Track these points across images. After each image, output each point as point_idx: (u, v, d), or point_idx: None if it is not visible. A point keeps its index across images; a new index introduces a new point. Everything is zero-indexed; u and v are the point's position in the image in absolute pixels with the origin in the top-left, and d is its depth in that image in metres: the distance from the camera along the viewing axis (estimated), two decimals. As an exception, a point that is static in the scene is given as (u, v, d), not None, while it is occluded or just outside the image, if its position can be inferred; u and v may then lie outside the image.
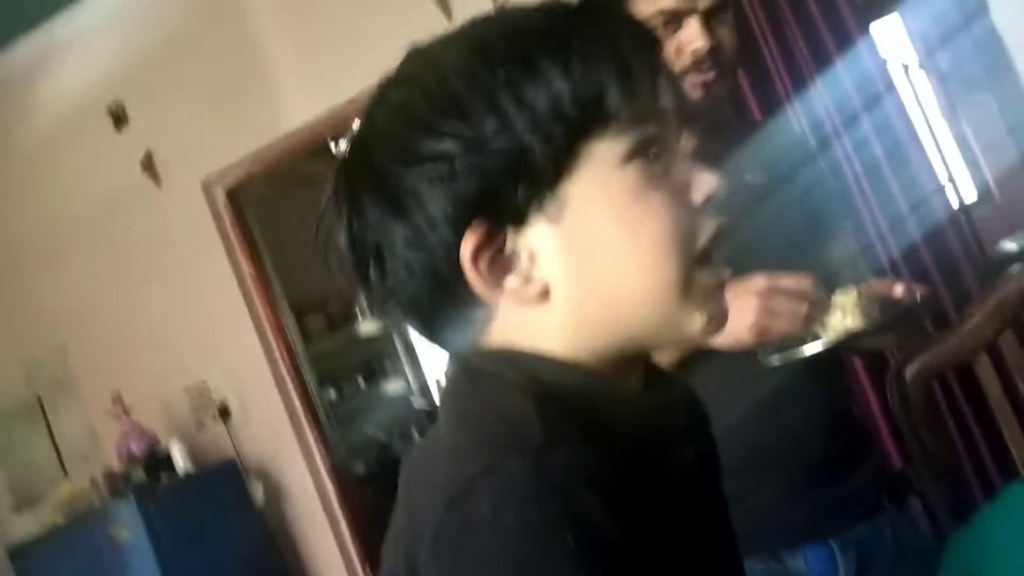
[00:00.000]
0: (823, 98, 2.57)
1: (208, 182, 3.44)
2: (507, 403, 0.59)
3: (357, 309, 4.46)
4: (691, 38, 1.21)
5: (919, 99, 4.23)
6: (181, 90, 3.40)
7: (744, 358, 1.20)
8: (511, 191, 0.59)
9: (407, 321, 0.65)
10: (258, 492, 3.36)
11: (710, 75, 1.22)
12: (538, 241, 0.60)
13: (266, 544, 3.32)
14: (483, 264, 0.60)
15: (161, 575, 2.95)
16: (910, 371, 1.51)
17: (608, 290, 0.61)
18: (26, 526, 3.59)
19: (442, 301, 0.62)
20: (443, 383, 0.67)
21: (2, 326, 3.74)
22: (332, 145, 3.29)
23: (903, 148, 2.65)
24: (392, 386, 4.74)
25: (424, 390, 4.84)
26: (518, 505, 0.53)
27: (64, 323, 3.63)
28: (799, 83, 2.61)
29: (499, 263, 0.60)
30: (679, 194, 0.62)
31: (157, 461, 3.20)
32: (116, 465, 3.30)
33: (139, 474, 3.13)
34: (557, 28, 0.60)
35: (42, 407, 3.73)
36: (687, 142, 0.65)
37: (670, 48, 1.21)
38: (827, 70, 2.58)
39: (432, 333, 0.65)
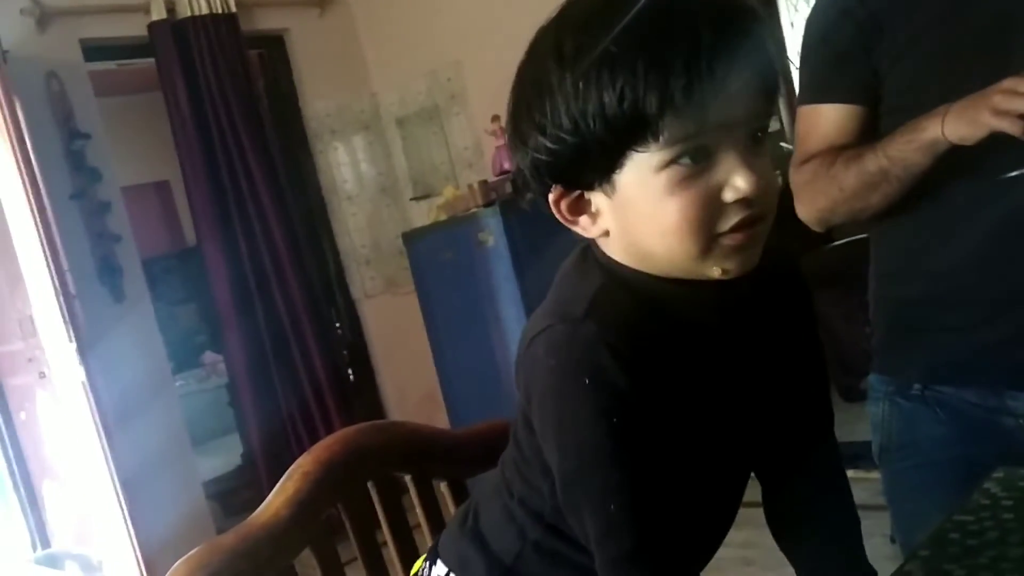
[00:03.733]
0: None
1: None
2: (580, 284, 0.81)
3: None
4: None
5: None
6: None
7: (987, 185, 1.19)
8: (578, 171, 0.77)
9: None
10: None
11: None
12: (599, 203, 0.79)
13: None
14: (564, 206, 0.80)
15: (515, 277, 3.43)
16: None
17: (641, 248, 0.79)
18: (422, 215, 4.28)
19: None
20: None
21: (410, 42, 4.24)
22: None
23: None
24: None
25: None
26: (556, 353, 0.77)
27: (460, 41, 4.03)
28: None
29: (578, 206, 0.80)
30: (710, 193, 0.74)
31: (524, 178, 3.58)
32: (491, 177, 3.76)
33: (507, 189, 3.54)
34: (622, 50, 0.70)
35: (439, 115, 4.26)
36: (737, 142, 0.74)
37: None
38: None
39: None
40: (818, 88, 1.34)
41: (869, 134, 1.29)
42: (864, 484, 1.40)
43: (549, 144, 0.75)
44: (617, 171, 0.76)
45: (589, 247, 0.84)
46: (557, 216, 0.81)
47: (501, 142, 3.69)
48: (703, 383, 0.82)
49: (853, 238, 3.62)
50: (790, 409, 0.92)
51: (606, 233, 0.80)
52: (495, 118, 3.69)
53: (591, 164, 0.76)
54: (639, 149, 0.73)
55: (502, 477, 0.95)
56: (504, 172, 3.66)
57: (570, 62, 0.72)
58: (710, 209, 0.74)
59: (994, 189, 1.20)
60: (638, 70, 0.70)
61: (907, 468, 1.34)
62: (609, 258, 0.82)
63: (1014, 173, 1.17)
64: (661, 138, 0.72)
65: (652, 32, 0.70)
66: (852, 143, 1.29)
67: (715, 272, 0.77)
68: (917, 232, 1.30)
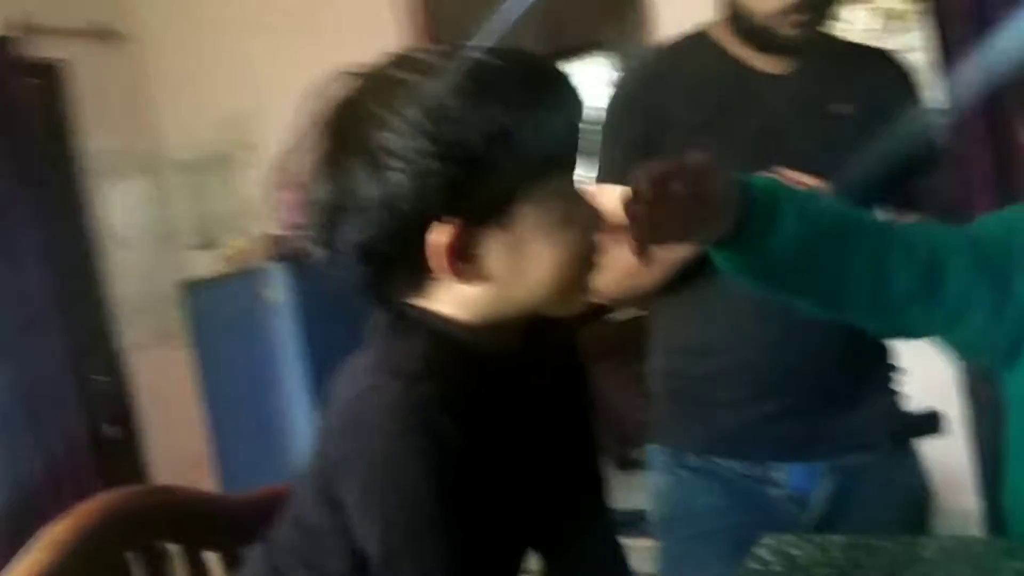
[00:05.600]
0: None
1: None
2: (407, 341, 0.77)
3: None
4: None
5: None
6: None
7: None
8: (478, 198, 0.75)
9: (356, 271, 0.79)
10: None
11: (803, 17, 1.23)
12: (491, 242, 0.77)
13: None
14: (451, 248, 0.75)
15: (302, 336, 3.32)
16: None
17: (524, 287, 0.78)
18: (203, 265, 4.08)
19: (399, 264, 0.77)
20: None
21: (202, 86, 4.09)
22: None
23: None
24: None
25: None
26: (390, 415, 0.72)
27: (256, 90, 3.92)
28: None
29: (460, 252, 0.76)
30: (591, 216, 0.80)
31: (315, 235, 3.50)
32: (281, 231, 3.65)
33: (296, 244, 3.43)
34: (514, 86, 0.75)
35: (229, 164, 4.11)
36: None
37: None
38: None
39: (375, 287, 0.80)
40: (608, 170, 1.40)
41: None
42: (638, 552, 1.44)
43: (440, 166, 0.72)
44: (517, 200, 0.76)
45: (403, 305, 0.81)
46: (434, 261, 0.75)
47: (293, 195, 3.59)
48: (510, 445, 0.81)
49: (628, 315, 3.80)
50: (567, 472, 0.93)
51: (482, 280, 0.77)
52: (285, 171, 3.60)
53: (498, 189, 0.75)
54: (547, 177, 0.77)
55: (266, 566, 0.88)
56: (295, 226, 3.55)
57: (467, 84, 0.73)
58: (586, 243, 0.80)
59: None
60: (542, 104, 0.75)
61: (684, 538, 1.38)
62: (435, 315, 0.79)
63: None
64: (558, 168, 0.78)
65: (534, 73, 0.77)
66: None
67: (576, 302, 0.81)
68: (691, 310, 1.37)
